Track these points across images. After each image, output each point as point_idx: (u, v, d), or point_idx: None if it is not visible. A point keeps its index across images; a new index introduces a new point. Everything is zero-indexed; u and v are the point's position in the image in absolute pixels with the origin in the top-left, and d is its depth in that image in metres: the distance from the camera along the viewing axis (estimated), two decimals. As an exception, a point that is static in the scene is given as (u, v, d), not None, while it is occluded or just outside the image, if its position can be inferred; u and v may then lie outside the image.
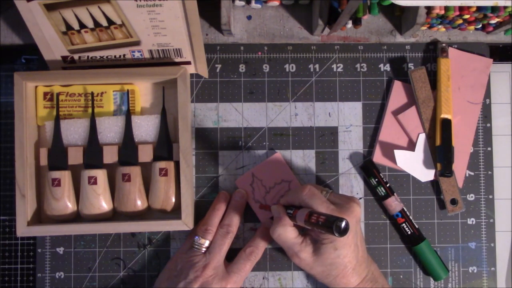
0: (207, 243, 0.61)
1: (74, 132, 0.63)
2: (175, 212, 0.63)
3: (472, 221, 0.66)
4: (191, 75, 0.67)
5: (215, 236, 0.62)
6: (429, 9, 0.61)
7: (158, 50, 0.63)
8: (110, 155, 0.62)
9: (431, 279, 0.65)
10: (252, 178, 0.65)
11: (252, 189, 0.65)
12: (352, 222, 0.56)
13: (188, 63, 0.65)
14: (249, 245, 0.62)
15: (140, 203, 0.62)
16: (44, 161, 0.62)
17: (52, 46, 0.62)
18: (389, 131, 0.66)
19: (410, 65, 0.67)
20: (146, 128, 0.63)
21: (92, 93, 0.63)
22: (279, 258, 0.66)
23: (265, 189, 0.65)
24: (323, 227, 0.51)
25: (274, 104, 0.67)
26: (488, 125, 0.67)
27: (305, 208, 0.56)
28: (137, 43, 0.62)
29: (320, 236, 0.57)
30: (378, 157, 0.66)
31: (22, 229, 0.60)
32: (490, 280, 0.66)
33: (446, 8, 0.60)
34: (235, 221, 0.62)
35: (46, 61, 0.64)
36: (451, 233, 0.66)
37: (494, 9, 0.60)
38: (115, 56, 0.63)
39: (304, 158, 0.66)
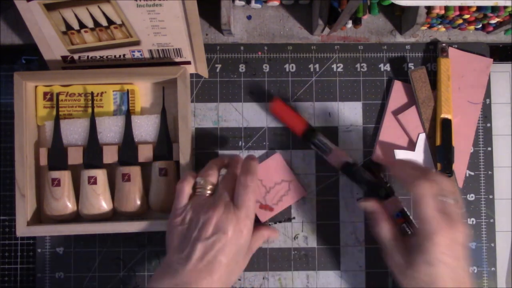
0: (209, 186, 0.57)
1: (74, 132, 0.63)
2: (175, 212, 0.62)
3: (472, 221, 0.66)
4: (191, 75, 0.66)
5: (219, 180, 0.57)
6: (429, 9, 0.61)
7: (158, 50, 0.63)
8: (110, 155, 0.62)
9: (431, 279, 0.65)
10: (252, 178, 0.65)
11: (252, 189, 0.65)
12: (457, 242, 0.51)
13: (188, 63, 0.65)
14: (241, 174, 0.56)
15: (140, 203, 0.62)
16: (44, 161, 0.62)
17: (52, 46, 0.62)
18: (389, 131, 0.66)
19: (410, 65, 0.67)
20: (146, 128, 0.63)
21: (92, 93, 0.63)
22: (279, 258, 0.65)
23: (265, 189, 0.65)
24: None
25: (274, 104, 0.67)
26: (488, 125, 0.67)
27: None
28: (137, 43, 0.62)
29: (417, 242, 0.52)
30: (378, 157, 0.66)
31: (22, 229, 0.60)
32: (490, 280, 0.66)
33: (446, 8, 0.60)
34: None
35: (46, 61, 0.64)
36: (451, 233, 0.66)
37: (494, 9, 0.60)
38: (115, 56, 0.63)
39: (304, 158, 0.66)
